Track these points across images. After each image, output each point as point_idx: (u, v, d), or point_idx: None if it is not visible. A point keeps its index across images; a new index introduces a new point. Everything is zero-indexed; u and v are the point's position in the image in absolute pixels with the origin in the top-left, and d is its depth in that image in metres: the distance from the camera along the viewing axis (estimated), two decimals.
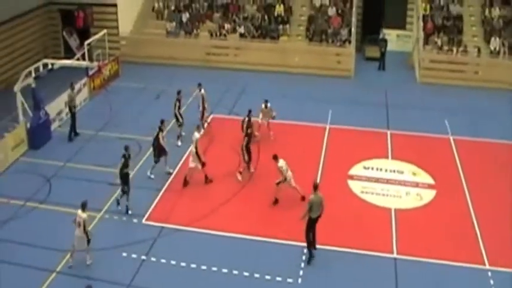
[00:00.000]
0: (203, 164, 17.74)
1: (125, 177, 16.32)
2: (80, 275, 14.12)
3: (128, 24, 29.75)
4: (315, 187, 14.50)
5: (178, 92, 20.52)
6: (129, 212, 16.49)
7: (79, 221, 13.95)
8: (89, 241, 14.23)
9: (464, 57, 26.76)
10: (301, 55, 27.69)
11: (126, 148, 16.56)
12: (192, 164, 17.68)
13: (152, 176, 18.26)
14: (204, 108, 20.84)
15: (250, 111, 18.90)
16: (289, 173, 16.77)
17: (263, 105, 20.14)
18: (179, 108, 20.50)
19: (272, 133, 20.56)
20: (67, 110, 21.50)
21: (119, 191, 16.61)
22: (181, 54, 28.26)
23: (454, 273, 14.29)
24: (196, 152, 17.63)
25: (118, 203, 16.66)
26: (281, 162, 16.69)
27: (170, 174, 18.44)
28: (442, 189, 17.74)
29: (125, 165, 16.27)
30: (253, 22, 29.48)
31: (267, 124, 20.41)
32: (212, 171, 18.07)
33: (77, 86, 22.06)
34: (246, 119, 18.84)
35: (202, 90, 20.85)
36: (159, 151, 18.17)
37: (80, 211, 13.95)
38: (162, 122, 18.34)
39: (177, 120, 20.52)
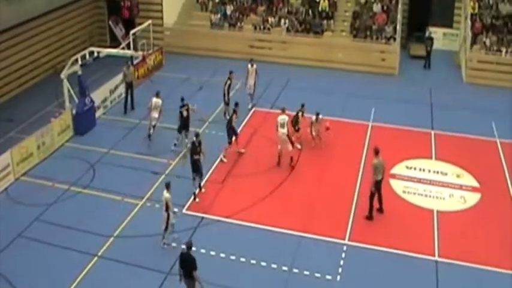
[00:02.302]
0: (293, 145, 18.47)
1: (193, 165, 16.52)
2: (121, 260, 14.35)
3: (173, 15, 29.98)
4: (377, 152, 15.69)
5: (231, 72, 21.40)
6: (196, 199, 16.69)
7: (162, 200, 14.42)
8: (167, 224, 14.50)
9: None
10: (345, 51, 27.40)
11: (197, 135, 16.76)
12: (280, 146, 18.40)
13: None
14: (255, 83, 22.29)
15: (303, 106, 19.73)
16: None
17: (314, 118, 19.65)
18: (229, 87, 21.17)
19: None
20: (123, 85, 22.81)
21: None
22: (225, 46, 28.32)
23: (496, 280, 13.95)
24: (288, 134, 18.38)
25: (195, 198, 16.79)
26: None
27: (241, 153, 19.24)
28: (487, 193, 17.32)
29: (193, 151, 16.46)
30: (297, 16, 29.32)
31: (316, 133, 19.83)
32: (254, 165, 18.07)
33: (131, 68, 22.62)
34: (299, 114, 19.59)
35: (255, 66, 22.09)
36: (230, 132, 18.82)
37: (164, 191, 14.38)
38: (236, 104, 19.20)
39: (224, 98, 21.27)
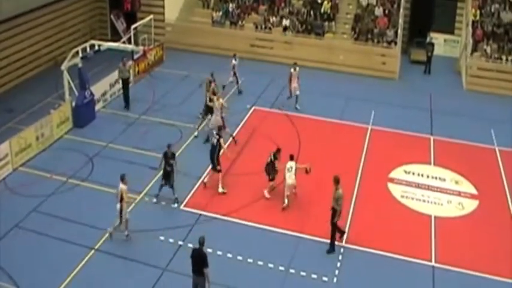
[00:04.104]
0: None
1: (164, 174, 16.26)
2: (118, 254, 14.33)
3: (174, 11, 29.90)
4: (337, 181, 14.67)
5: (211, 74, 20.80)
6: (154, 200, 16.37)
7: (117, 192, 14.40)
8: (120, 218, 14.49)
9: None
10: (346, 53, 27.40)
11: (169, 146, 16.31)
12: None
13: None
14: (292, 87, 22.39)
15: (279, 150, 16.99)
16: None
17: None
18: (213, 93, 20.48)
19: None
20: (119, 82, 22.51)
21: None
22: (226, 44, 28.22)
23: (493, 287, 13.99)
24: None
25: (156, 197, 16.54)
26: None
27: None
28: (485, 200, 17.34)
29: (166, 162, 16.11)
30: (298, 17, 29.31)
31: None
32: (252, 164, 18.03)
33: (126, 65, 22.55)
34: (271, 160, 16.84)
35: (298, 69, 22.35)
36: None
37: (120, 183, 14.42)
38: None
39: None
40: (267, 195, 16.92)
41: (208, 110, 19.83)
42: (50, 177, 17.26)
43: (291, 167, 16.28)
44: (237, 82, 23.51)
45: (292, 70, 22.45)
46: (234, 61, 23.25)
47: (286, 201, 16.37)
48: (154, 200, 16.45)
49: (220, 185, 17.06)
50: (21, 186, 16.78)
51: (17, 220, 15.29)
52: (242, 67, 23.38)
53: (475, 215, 16.77)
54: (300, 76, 22.51)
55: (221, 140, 17.11)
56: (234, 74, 23.25)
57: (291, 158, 16.59)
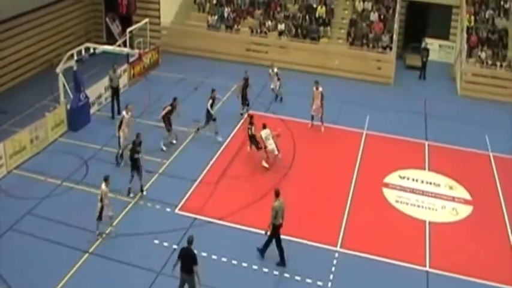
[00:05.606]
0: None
1: (133, 162, 16.55)
2: (112, 258, 14.28)
3: (170, 14, 29.93)
4: (277, 194, 14.21)
5: (213, 90, 20.39)
6: (131, 195, 16.66)
7: (99, 191, 14.72)
8: (100, 214, 14.67)
9: (508, 73, 26.10)
10: (341, 58, 27.47)
11: (137, 135, 16.82)
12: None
13: (164, 148, 19.42)
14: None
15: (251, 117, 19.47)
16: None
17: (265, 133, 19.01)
18: (212, 105, 20.23)
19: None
20: (109, 90, 22.13)
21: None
22: (221, 48, 28.30)
23: None
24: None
25: (129, 193, 16.71)
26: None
27: (173, 144, 19.71)
28: (479, 205, 17.41)
29: (133, 151, 16.52)
30: (293, 22, 29.37)
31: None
32: (247, 168, 18.05)
33: (117, 72, 22.34)
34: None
35: (320, 88, 21.10)
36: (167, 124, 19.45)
37: (102, 184, 14.68)
38: (174, 99, 19.62)
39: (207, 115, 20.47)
40: (265, 165, 18.57)
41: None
42: (44, 180, 17.22)
43: (268, 134, 18.42)
44: (279, 87, 23.79)
45: (314, 89, 21.07)
46: (275, 69, 23.58)
47: (266, 165, 18.56)
48: (132, 194, 16.64)
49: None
50: (16, 189, 16.74)
51: (11, 223, 15.24)
52: (237, 72, 23.35)
53: (469, 220, 16.82)
54: (324, 95, 21.10)
55: (167, 108, 19.41)
56: (278, 79, 23.56)
57: (264, 126, 18.62)
